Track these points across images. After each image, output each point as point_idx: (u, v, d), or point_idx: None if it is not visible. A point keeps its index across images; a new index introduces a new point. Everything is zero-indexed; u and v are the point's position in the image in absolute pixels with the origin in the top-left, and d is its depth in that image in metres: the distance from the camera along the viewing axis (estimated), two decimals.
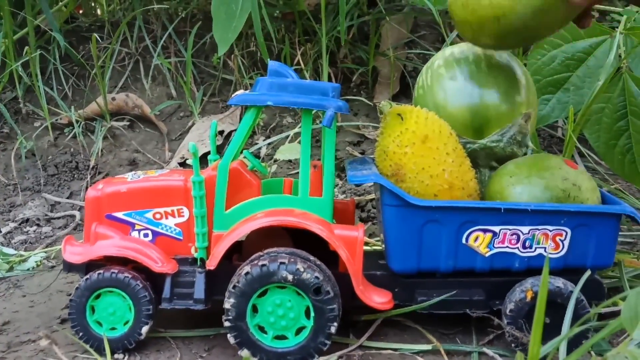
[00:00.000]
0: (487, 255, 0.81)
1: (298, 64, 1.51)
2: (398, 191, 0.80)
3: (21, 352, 0.85)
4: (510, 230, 0.80)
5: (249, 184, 0.86)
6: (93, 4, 1.85)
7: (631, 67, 1.12)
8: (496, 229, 0.80)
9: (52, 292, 1.03)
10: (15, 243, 1.26)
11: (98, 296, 0.83)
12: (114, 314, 0.83)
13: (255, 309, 0.79)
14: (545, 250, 0.81)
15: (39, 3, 1.54)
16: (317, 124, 1.29)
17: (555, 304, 0.78)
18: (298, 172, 0.82)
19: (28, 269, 1.13)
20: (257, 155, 1.45)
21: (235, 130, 1.50)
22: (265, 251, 0.80)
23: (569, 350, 0.72)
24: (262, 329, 0.80)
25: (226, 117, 1.53)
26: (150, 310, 0.82)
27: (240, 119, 1.53)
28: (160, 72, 1.64)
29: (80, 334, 0.83)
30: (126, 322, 0.83)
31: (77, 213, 1.35)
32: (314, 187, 0.83)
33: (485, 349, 0.82)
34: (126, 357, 0.83)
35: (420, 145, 0.82)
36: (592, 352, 0.79)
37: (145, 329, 0.83)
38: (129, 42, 1.66)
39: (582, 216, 0.80)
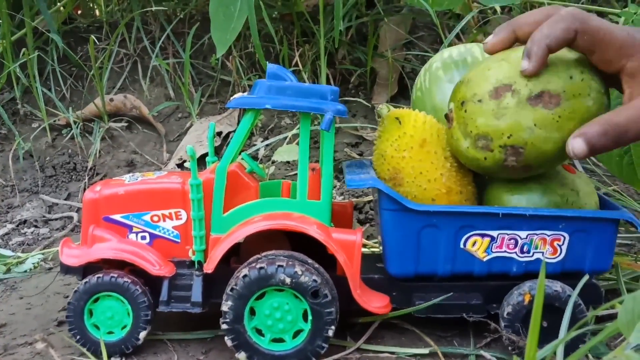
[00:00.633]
0: (484, 259, 0.81)
1: (296, 65, 1.51)
2: (396, 195, 0.80)
3: (17, 354, 0.85)
4: (508, 235, 0.80)
5: (247, 186, 0.86)
6: (91, 5, 1.85)
7: None
8: (494, 233, 0.80)
9: (49, 295, 1.02)
10: (12, 245, 1.26)
11: (96, 300, 0.83)
12: (112, 318, 0.83)
13: (252, 312, 0.79)
14: (543, 255, 0.81)
15: (37, 4, 1.54)
16: (315, 124, 1.29)
17: (553, 307, 0.78)
18: (296, 174, 0.82)
19: (25, 271, 1.12)
20: (255, 157, 1.45)
21: (233, 131, 1.50)
22: (263, 254, 0.80)
23: (567, 354, 0.72)
24: (259, 332, 0.80)
25: (224, 119, 1.53)
26: (149, 315, 0.82)
27: (239, 120, 1.54)
28: (159, 73, 1.64)
29: (78, 337, 0.83)
30: (124, 327, 0.83)
31: (75, 214, 1.35)
32: (312, 191, 0.83)
33: (482, 352, 0.82)
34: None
35: (418, 149, 0.82)
36: (590, 356, 0.79)
37: (143, 334, 0.82)
38: (127, 43, 1.66)
39: (580, 221, 0.80)
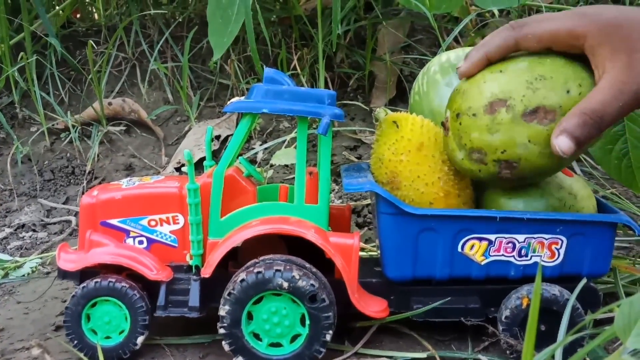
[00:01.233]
0: (482, 263, 0.81)
1: (294, 68, 1.51)
2: (393, 199, 0.79)
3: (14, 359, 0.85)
4: (506, 238, 0.80)
5: (245, 190, 0.86)
6: (90, 9, 1.85)
7: None
8: (492, 237, 0.80)
9: (46, 299, 1.02)
10: (10, 249, 1.26)
11: (94, 304, 0.82)
12: (110, 323, 0.82)
13: (250, 316, 0.79)
14: (541, 259, 0.81)
15: (35, 8, 1.54)
16: (313, 128, 1.29)
17: (551, 311, 0.78)
18: (294, 178, 0.82)
19: (23, 275, 1.12)
20: (253, 160, 1.45)
21: (231, 135, 1.50)
22: (261, 258, 0.80)
23: (564, 358, 0.72)
24: (257, 336, 0.80)
25: (223, 122, 1.53)
26: (147, 320, 0.82)
27: (237, 123, 1.54)
28: (157, 76, 1.64)
29: (75, 342, 0.82)
30: (121, 332, 0.83)
31: (73, 218, 1.35)
32: (309, 195, 0.83)
33: (480, 356, 0.82)
34: None
35: (416, 153, 0.82)
36: (587, 359, 0.79)
37: (140, 339, 0.82)
38: (125, 46, 1.66)
39: (578, 225, 0.80)
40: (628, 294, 0.89)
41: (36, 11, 1.55)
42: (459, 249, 0.81)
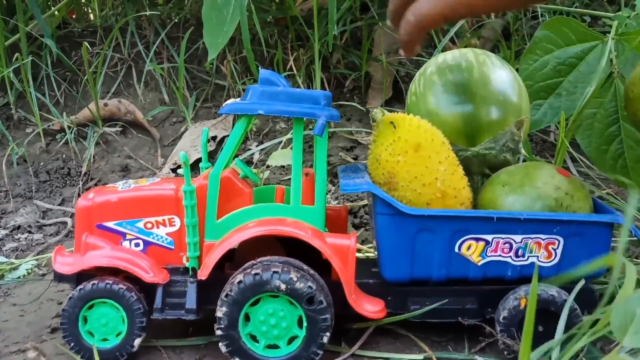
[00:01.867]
0: (479, 263, 0.81)
1: (291, 69, 1.51)
2: (391, 200, 0.79)
3: None
4: (503, 239, 0.80)
5: (241, 192, 0.86)
6: (86, 9, 1.84)
7: (622, 73, 1.12)
8: (489, 237, 0.80)
9: (42, 301, 1.02)
10: (6, 250, 1.25)
11: (91, 306, 0.82)
12: (107, 325, 0.82)
13: (247, 318, 0.79)
14: (538, 259, 0.81)
15: (30, 9, 1.53)
16: (309, 129, 1.29)
17: (549, 312, 0.78)
18: (290, 179, 0.82)
19: (19, 277, 1.12)
20: (249, 161, 1.45)
21: (228, 135, 1.50)
22: (259, 260, 0.80)
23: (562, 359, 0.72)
24: (254, 338, 0.80)
25: (219, 123, 1.53)
26: (144, 322, 0.82)
27: (234, 124, 1.53)
28: (153, 77, 1.64)
29: (72, 344, 0.82)
30: (118, 334, 0.82)
31: (68, 220, 1.34)
32: (305, 196, 0.83)
33: (477, 357, 0.82)
34: None
35: (413, 153, 0.82)
36: (584, 359, 0.79)
37: (137, 342, 0.82)
38: (121, 47, 1.65)
39: (575, 225, 0.80)
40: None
41: (31, 12, 1.54)
42: (456, 250, 0.81)
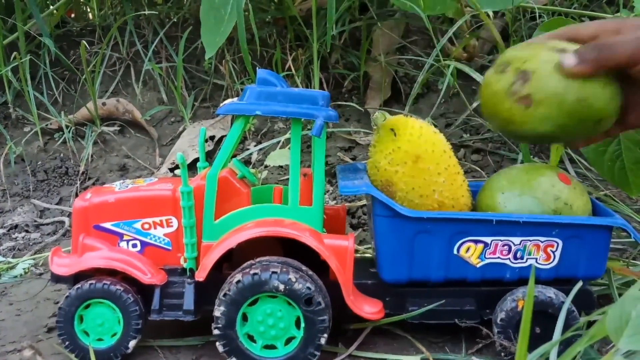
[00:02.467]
0: (478, 265, 0.81)
1: (289, 69, 1.50)
2: (389, 202, 0.79)
3: None
4: (501, 241, 0.80)
5: (239, 192, 0.85)
6: (84, 8, 1.84)
7: None
8: (488, 239, 0.80)
9: (39, 300, 1.02)
10: (3, 250, 1.25)
11: (88, 306, 0.82)
12: (102, 325, 0.82)
13: (245, 318, 0.79)
14: (536, 262, 0.81)
15: (29, 7, 1.53)
16: (307, 129, 1.29)
17: (547, 314, 0.78)
18: (288, 179, 0.82)
19: (16, 277, 1.12)
20: (248, 161, 1.44)
21: (226, 135, 1.49)
22: (257, 260, 0.80)
23: None
24: (251, 338, 0.79)
25: (217, 122, 1.53)
26: (140, 324, 0.82)
27: (232, 124, 1.53)
28: (151, 77, 1.63)
29: (67, 343, 0.82)
30: (114, 335, 0.82)
31: (66, 219, 1.34)
32: (304, 196, 0.82)
33: (474, 358, 0.82)
34: None
35: (412, 165, 0.81)
36: None
37: (132, 343, 0.82)
38: (120, 46, 1.65)
39: (574, 228, 0.80)
40: (622, 296, 0.89)
41: (30, 11, 1.54)
42: (455, 252, 0.81)
